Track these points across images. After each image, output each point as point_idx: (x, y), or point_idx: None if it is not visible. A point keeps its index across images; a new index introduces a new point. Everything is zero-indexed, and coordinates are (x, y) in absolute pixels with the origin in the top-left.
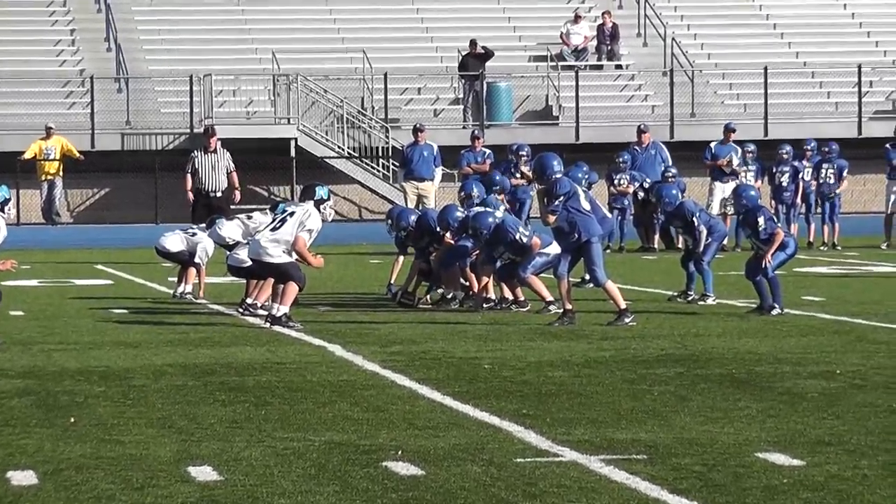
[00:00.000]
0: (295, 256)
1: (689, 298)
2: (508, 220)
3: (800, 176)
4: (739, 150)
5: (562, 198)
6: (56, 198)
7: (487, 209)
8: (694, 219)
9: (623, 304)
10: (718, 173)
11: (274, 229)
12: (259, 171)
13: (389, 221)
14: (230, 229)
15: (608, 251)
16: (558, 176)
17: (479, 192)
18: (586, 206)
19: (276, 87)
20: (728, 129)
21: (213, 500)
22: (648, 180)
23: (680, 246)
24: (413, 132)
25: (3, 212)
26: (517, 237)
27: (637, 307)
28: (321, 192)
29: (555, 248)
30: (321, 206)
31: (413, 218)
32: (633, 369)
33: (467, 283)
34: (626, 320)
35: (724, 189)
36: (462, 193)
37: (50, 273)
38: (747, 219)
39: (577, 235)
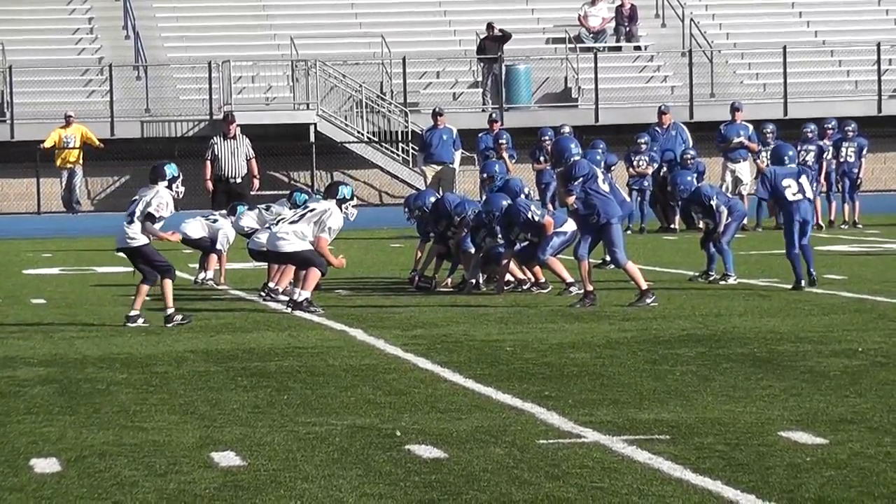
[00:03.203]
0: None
1: (711, 279)
2: (520, 200)
3: (824, 155)
4: (750, 128)
5: (580, 180)
6: (76, 186)
7: (500, 193)
8: (712, 202)
9: (644, 285)
10: (731, 154)
11: (292, 223)
12: (278, 157)
13: (407, 210)
14: (249, 219)
15: (629, 232)
16: (576, 158)
17: (501, 171)
18: (605, 187)
19: (294, 72)
20: (734, 109)
21: (236, 486)
22: (664, 165)
23: (701, 226)
24: (432, 116)
25: (172, 189)
26: (529, 216)
27: (658, 287)
28: (344, 191)
29: (570, 226)
30: (343, 206)
31: (431, 199)
32: (655, 350)
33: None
34: (648, 301)
35: (735, 170)
36: (484, 175)
37: (71, 261)
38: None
39: (596, 217)
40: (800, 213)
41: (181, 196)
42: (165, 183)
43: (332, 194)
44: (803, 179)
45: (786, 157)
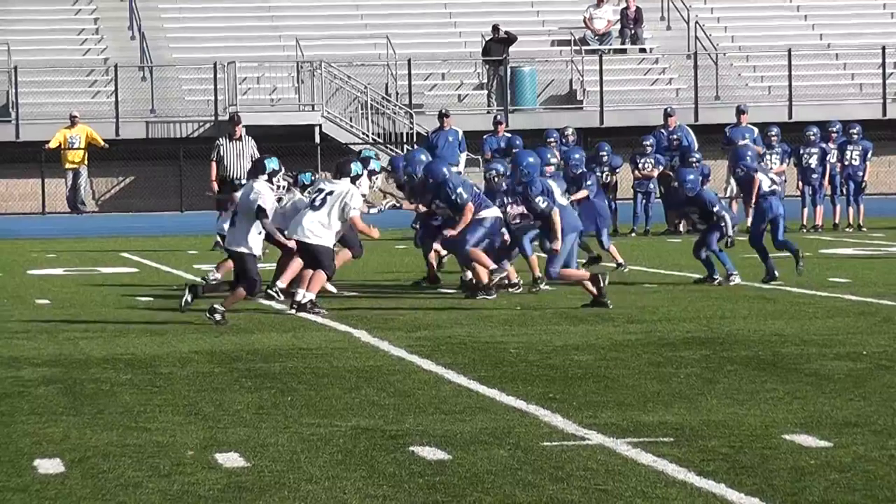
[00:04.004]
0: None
1: (717, 282)
2: (454, 176)
3: (827, 158)
4: (755, 131)
5: (540, 198)
6: (81, 186)
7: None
8: (714, 208)
9: (587, 275)
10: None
11: (315, 209)
12: (284, 158)
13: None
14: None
15: (633, 234)
16: (532, 175)
17: (506, 170)
18: (563, 201)
19: (300, 73)
20: (740, 111)
21: (240, 487)
22: (670, 163)
23: (680, 227)
24: (439, 118)
25: (272, 183)
26: (454, 197)
27: (662, 290)
28: (356, 168)
29: (493, 213)
30: (357, 182)
31: (420, 169)
32: (660, 352)
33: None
34: (605, 296)
35: None
36: (492, 173)
37: (76, 261)
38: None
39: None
40: (772, 208)
41: (283, 189)
42: (266, 177)
43: (345, 172)
44: (773, 175)
45: (747, 157)
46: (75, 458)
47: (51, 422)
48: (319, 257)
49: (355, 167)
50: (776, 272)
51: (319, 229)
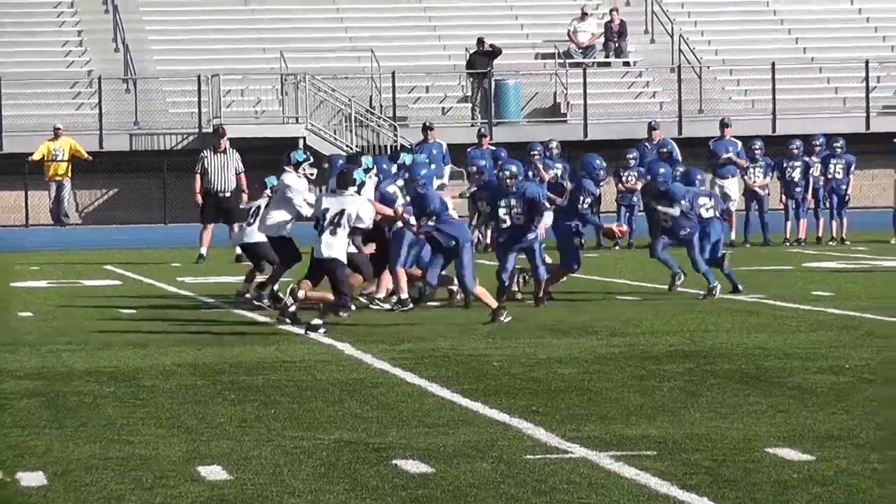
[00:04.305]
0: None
1: (678, 285)
2: (388, 183)
3: (810, 171)
4: (739, 144)
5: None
6: (64, 199)
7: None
8: (684, 201)
9: (495, 304)
10: (719, 170)
11: (334, 232)
12: (268, 171)
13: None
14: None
15: (616, 248)
16: (425, 188)
17: (519, 169)
18: (454, 214)
19: (284, 86)
20: (724, 125)
21: (222, 500)
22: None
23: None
24: (423, 130)
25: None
26: (397, 204)
27: (646, 303)
28: (358, 176)
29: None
30: (361, 190)
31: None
32: (643, 365)
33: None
34: (501, 318)
35: (724, 185)
36: (506, 172)
37: (59, 274)
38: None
39: (454, 242)
40: (714, 230)
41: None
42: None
43: (349, 183)
44: (713, 201)
45: (696, 181)
46: (58, 470)
47: (33, 434)
48: (351, 264)
49: (357, 175)
50: (738, 284)
51: (339, 249)
